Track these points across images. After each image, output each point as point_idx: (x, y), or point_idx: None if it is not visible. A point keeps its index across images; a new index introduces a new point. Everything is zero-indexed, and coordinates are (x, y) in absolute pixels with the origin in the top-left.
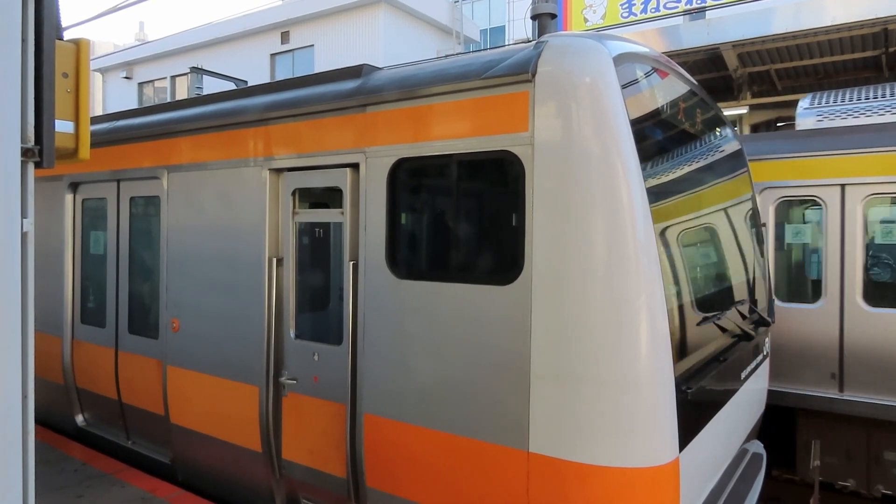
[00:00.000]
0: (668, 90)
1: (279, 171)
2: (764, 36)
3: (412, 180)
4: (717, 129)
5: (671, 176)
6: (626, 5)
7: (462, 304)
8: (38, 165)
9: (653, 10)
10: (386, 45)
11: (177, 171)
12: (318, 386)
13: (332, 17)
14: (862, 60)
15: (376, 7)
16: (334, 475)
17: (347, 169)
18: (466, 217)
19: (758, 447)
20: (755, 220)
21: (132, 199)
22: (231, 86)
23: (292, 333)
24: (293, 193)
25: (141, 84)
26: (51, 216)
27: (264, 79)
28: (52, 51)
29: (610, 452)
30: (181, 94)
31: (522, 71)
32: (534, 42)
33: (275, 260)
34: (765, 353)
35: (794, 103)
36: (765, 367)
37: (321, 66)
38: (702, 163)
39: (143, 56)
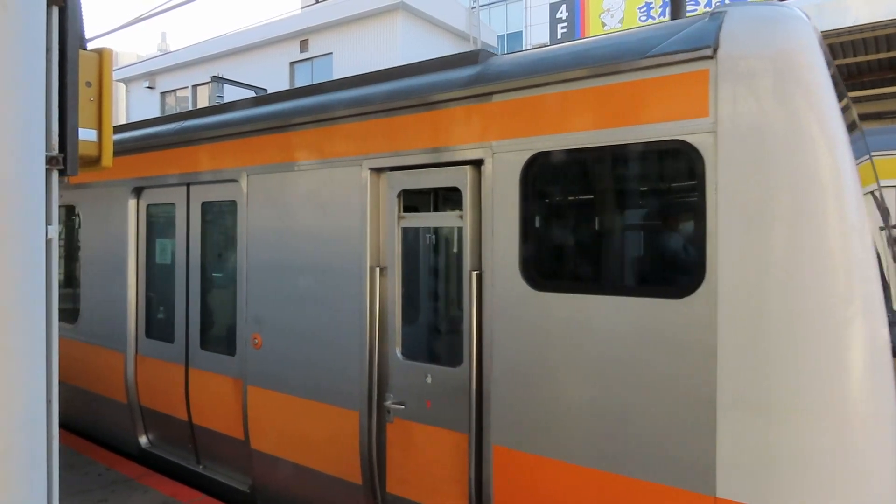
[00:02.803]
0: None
1: (381, 170)
2: None
3: (552, 177)
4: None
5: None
6: (645, 9)
7: (623, 320)
8: (62, 173)
9: None
10: (404, 52)
11: (259, 173)
12: (431, 412)
13: (350, 24)
14: (887, 61)
15: (394, 14)
16: None
17: (467, 166)
18: (626, 218)
19: None
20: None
21: (204, 203)
22: (251, 94)
23: (399, 352)
24: (399, 195)
25: (163, 93)
26: (112, 223)
27: (283, 87)
28: (76, 60)
29: (821, 499)
30: (202, 103)
31: (701, 46)
32: (706, 14)
33: (378, 269)
34: None
35: None
36: None
37: (340, 73)
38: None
39: (165, 66)
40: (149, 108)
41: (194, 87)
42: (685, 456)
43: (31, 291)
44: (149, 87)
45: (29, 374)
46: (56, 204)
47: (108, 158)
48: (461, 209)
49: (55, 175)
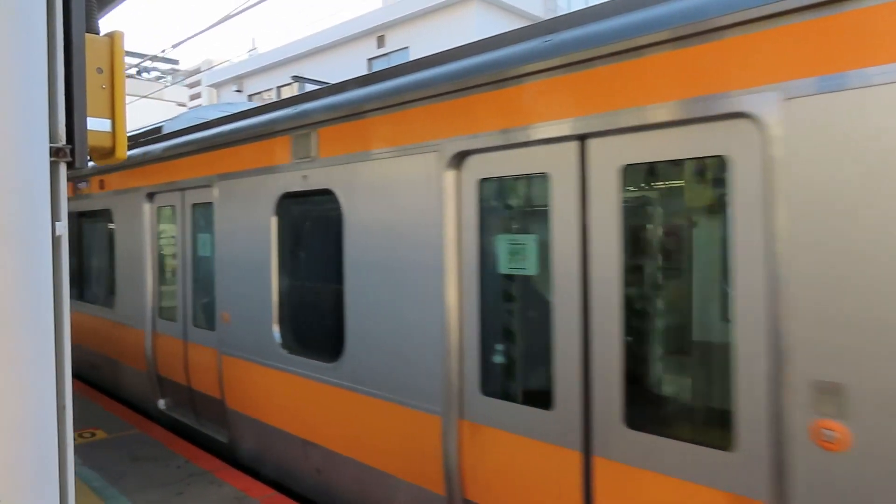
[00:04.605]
0: None
1: None
2: None
3: None
4: None
5: None
6: None
7: None
8: (70, 166)
9: None
10: None
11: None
12: None
13: (425, 17)
14: None
15: (469, 3)
16: None
17: None
18: None
19: None
20: None
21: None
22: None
23: None
24: None
25: (250, 96)
26: (411, 200)
27: None
28: (82, 44)
29: None
30: None
31: None
32: None
33: None
34: None
35: None
36: None
37: None
38: None
39: (251, 69)
40: None
41: (279, 88)
42: None
43: (38, 292)
44: (237, 91)
45: (37, 379)
46: (65, 198)
47: (122, 150)
48: None
49: (62, 168)
